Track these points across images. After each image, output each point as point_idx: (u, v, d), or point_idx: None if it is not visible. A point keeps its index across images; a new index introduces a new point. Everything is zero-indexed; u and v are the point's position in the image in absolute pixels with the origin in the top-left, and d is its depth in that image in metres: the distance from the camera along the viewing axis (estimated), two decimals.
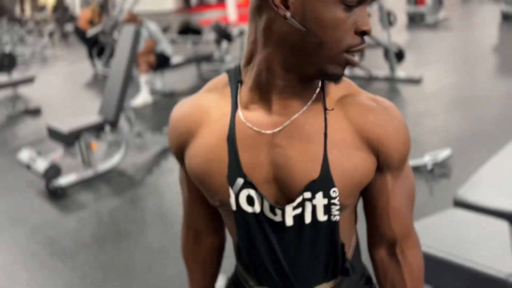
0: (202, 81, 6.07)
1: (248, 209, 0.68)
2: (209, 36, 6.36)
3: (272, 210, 0.68)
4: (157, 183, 3.03)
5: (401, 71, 4.98)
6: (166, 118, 4.21)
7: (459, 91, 4.40)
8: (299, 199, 0.66)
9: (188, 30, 6.59)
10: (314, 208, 0.66)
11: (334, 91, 0.69)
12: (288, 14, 0.59)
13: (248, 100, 0.68)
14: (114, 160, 3.21)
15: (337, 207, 0.66)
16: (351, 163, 0.66)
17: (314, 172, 0.65)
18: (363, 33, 0.61)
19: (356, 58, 0.63)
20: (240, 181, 0.67)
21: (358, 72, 5.17)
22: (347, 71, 5.13)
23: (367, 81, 5.04)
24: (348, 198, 0.68)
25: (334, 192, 0.65)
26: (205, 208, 0.81)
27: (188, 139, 0.72)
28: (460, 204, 1.67)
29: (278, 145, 0.66)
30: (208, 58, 6.11)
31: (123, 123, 3.27)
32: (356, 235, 0.80)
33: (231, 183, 0.67)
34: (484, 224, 1.52)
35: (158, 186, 3.00)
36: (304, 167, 0.65)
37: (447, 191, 2.37)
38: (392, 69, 4.93)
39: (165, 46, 5.00)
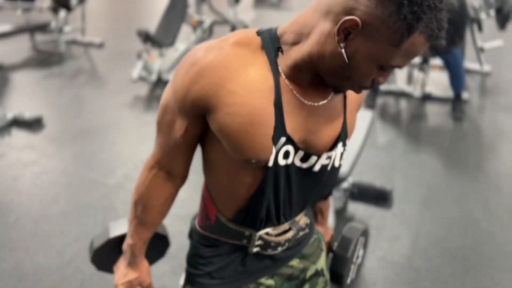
0: (38, 53, 5.44)
1: (282, 162, 0.79)
2: (44, 2, 5.68)
3: (305, 159, 0.81)
4: None
5: None
6: None
7: None
8: (335, 151, 0.83)
9: None
10: (335, 157, 0.84)
11: None
12: (342, 45, 0.69)
13: (289, 71, 0.76)
14: None
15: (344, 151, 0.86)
16: (353, 120, 0.87)
17: (337, 131, 0.83)
18: (377, 83, 0.75)
19: (360, 91, 0.78)
20: (282, 139, 0.77)
21: None
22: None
23: None
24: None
25: (347, 141, 0.85)
26: (189, 155, 0.85)
27: (219, 92, 0.73)
28: None
29: (316, 114, 0.79)
30: (43, 28, 5.46)
31: None
32: None
33: (275, 142, 0.76)
34: None
35: None
36: (331, 129, 0.82)
37: None
38: None
39: None
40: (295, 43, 0.75)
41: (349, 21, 0.66)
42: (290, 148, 0.78)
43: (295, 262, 0.96)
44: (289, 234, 0.89)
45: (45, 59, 5.33)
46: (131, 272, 0.95)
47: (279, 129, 0.76)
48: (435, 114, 3.57)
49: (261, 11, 8.05)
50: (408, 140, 3.13)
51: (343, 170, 1.88)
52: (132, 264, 0.94)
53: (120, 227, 1.01)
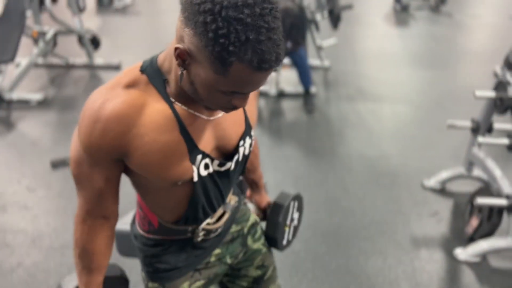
0: None
1: (205, 173, 0.88)
2: None
3: (222, 164, 0.91)
4: None
5: (99, 58, 4.95)
6: None
7: None
8: (240, 144, 0.92)
9: None
10: (244, 149, 0.94)
11: None
12: (181, 69, 0.74)
13: (180, 97, 0.81)
14: None
15: (251, 140, 0.96)
16: (253, 110, 0.96)
17: (242, 128, 0.93)
18: (234, 107, 0.78)
19: (226, 111, 0.82)
20: (199, 157, 0.86)
21: (54, 60, 4.82)
22: (42, 60, 4.71)
23: (65, 69, 4.78)
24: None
25: (252, 132, 0.95)
26: (116, 194, 0.89)
27: (129, 139, 0.78)
28: None
29: (218, 125, 0.88)
30: None
31: None
32: None
33: (193, 161, 0.85)
34: None
35: None
36: (236, 128, 0.91)
37: None
38: (89, 56, 4.83)
39: None
40: (171, 70, 0.80)
41: (178, 48, 0.71)
42: (207, 160, 0.88)
43: (232, 228, 1.11)
44: (225, 217, 1.03)
45: None
46: None
47: (193, 150, 0.84)
48: (290, 109, 3.91)
49: (106, 18, 7.70)
50: (271, 135, 3.39)
51: None
52: None
53: (72, 281, 1.02)
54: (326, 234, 2.29)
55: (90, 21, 7.27)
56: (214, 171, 0.90)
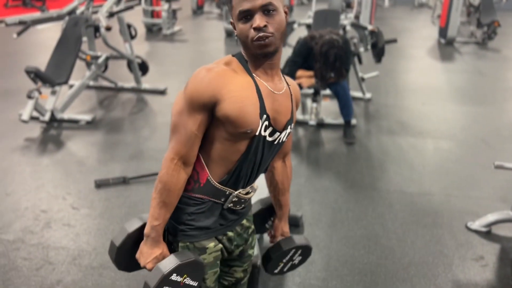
0: None
1: (263, 133, 1.15)
2: None
3: (272, 134, 1.17)
4: None
5: (146, 83, 5.15)
6: None
7: None
8: (285, 130, 1.20)
9: None
10: (286, 133, 1.21)
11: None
12: (235, 32, 1.12)
13: (258, 73, 1.15)
14: None
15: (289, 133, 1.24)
16: (294, 110, 1.24)
17: (288, 116, 1.20)
18: (256, 29, 1.05)
19: (262, 42, 1.06)
20: (264, 116, 1.13)
21: (105, 83, 5.06)
22: (93, 82, 4.95)
23: (114, 92, 4.99)
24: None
25: (292, 125, 1.23)
26: (198, 146, 1.15)
27: (221, 92, 1.07)
28: None
29: (279, 100, 1.17)
30: None
31: None
32: None
33: (261, 117, 1.12)
34: None
35: None
36: (285, 113, 1.19)
37: None
38: (137, 81, 5.03)
39: None
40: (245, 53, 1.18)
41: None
42: (267, 123, 1.14)
43: (245, 221, 1.33)
44: (251, 195, 1.26)
45: None
46: (156, 249, 1.17)
47: (262, 108, 1.12)
48: (330, 140, 3.89)
49: (154, 44, 8.04)
50: (310, 166, 3.37)
51: None
52: (156, 243, 1.17)
53: (134, 223, 1.23)
54: (363, 272, 2.23)
55: (140, 47, 7.61)
56: (266, 138, 1.16)
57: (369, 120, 4.37)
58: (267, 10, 1.05)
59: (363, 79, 4.81)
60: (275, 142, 1.19)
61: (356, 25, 4.41)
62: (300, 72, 3.71)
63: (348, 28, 4.34)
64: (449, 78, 5.93)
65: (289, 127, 1.21)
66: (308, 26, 4.51)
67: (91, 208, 2.74)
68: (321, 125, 4.12)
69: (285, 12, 1.11)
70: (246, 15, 1.05)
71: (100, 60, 4.69)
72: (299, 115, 4.32)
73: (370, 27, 4.22)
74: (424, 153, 3.61)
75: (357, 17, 8.16)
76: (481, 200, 2.89)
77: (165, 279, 1.08)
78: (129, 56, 4.95)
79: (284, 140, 1.22)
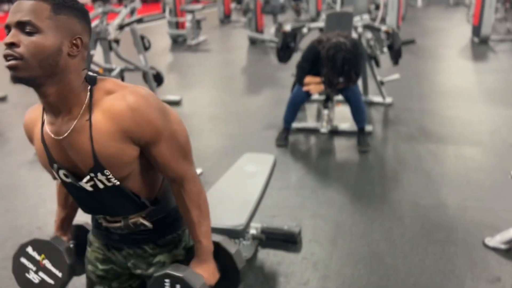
0: None
1: (67, 180, 1.06)
2: None
3: (79, 181, 1.03)
4: None
5: (162, 94, 5.13)
6: None
7: (214, 109, 4.79)
8: (86, 178, 1.02)
9: None
10: (100, 180, 1.01)
11: (101, 96, 0.98)
12: None
13: (47, 116, 1.01)
14: None
15: (114, 178, 1.01)
16: (113, 151, 0.97)
17: (90, 163, 0.99)
18: (7, 45, 0.89)
19: (7, 62, 0.89)
20: (55, 166, 1.04)
21: None
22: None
23: None
24: (121, 171, 1.01)
25: (106, 171, 0.99)
26: None
27: (32, 135, 1.09)
28: None
29: (66, 146, 1.00)
30: None
31: None
32: (162, 183, 1.16)
33: (52, 167, 1.05)
34: None
35: None
36: (83, 160, 0.99)
37: None
38: (152, 91, 5.01)
39: None
40: None
41: None
42: (64, 171, 1.05)
43: (148, 247, 1.18)
44: (118, 225, 1.13)
45: None
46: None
47: (50, 158, 1.04)
48: (342, 148, 3.69)
49: (178, 54, 8.09)
50: (317, 176, 3.19)
51: (239, 221, 1.83)
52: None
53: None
54: None
55: (163, 58, 7.67)
56: (75, 184, 1.05)
57: (387, 126, 4.13)
58: (23, 28, 0.89)
59: (382, 83, 4.57)
60: (89, 189, 1.03)
61: (369, 27, 4.19)
62: (308, 79, 3.55)
63: (360, 30, 4.12)
64: (480, 79, 5.56)
65: (98, 174, 0.99)
66: (321, 30, 4.34)
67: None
68: (334, 132, 3.93)
69: (73, 44, 0.92)
70: (8, 31, 0.91)
71: (114, 73, 4.71)
72: (310, 122, 4.14)
73: (384, 28, 4.00)
74: (444, 161, 3.34)
75: (383, 18, 7.88)
76: (503, 213, 2.61)
77: (22, 249, 1.19)
78: (143, 68, 4.95)
79: (107, 184, 1.01)
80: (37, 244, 1.16)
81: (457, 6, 13.38)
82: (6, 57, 0.88)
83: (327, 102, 3.78)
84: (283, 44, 4.28)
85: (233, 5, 13.17)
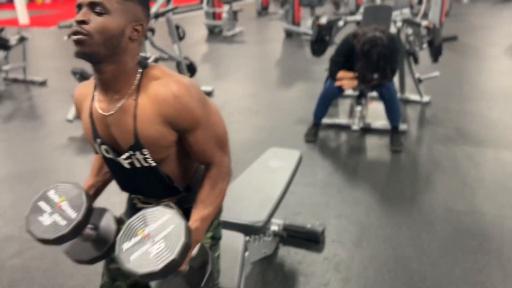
0: None
1: (107, 155, 1.12)
2: None
3: (118, 156, 1.11)
4: None
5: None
6: None
7: (246, 101, 4.75)
8: (125, 155, 1.09)
9: None
10: (138, 159, 1.08)
11: (148, 81, 1.05)
12: None
13: (98, 93, 1.09)
14: None
15: (151, 158, 1.08)
16: (153, 133, 1.04)
17: (130, 141, 1.06)
18: (77, 22, 0.97)
19: (73, 37, 0.96)
20: (98, 140, 1.11)
21: None
22: None
23: None
24: (158, 153, 1.08)
25: (144, 151, 1.07)
26: None
27: (81, 109, 1.16)
28: None
29: (110, 122, 1.08)
30: None
31: None
32: (195, 171, 1.23)
33: (95, 140, 1.12)
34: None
35: None
36: (124, 138, 1.07)
37: None
38: None
39: None
40: None
41: None
42: (106, 147, 1.14)
43: None
44: (150, 206, 1.14)
45: None
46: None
47: (95, 132, 1.13)
48: (374, 146, 3.57)
49: (214, 45, 8.09)
50: (345, 175, 3.09)
51: (259, 218, 1.79)
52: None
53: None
54: None
55: (198, 48, 7.70)
56: (116, 160, 1.12)
57: (423, 126, 3.96)
58: (93, 8, 0.98)
59: (420, 80, 4.39)
60: (126, 167, 1.11)
61: (409, 21, 4.01)
62: (341, 73, 3.44)
63: (399, 24, 3.95)
64: None
65: (137, 152, 1.07)
66: (358, 23, 4.19)
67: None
68: (366, 130, 3.80)
69: (135, 29, 1.02)
70: (78, 9, 1.00)
71: (148, 62, 4.74)
72: (342, 118, 4.03)
73: (424, 23, 3.81)
74: (481, 165, 3.16)
75: (426, 13, 7.57)
76: None
77: (44, 193, 1.15)
78: (177, 58, 4.97)
79: (144, 164, 1.09)
80: (60, 188, 1.15)
81: (507, 2, 12.72)
82: (75, 33, 0.96)
83: (360, 98, 3.66)
84: (318, 37, 4.18)
85: None
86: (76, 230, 1.08)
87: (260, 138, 3.74)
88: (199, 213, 1.10)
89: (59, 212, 1.10)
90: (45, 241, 1.07)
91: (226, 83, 5.53)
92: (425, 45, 4.01)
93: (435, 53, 3.82)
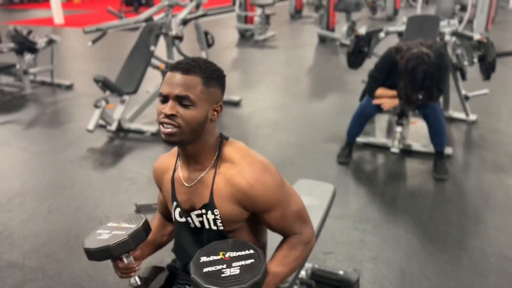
0: (1, 95, 5.16)
1: (179, 219, 1.21)
2: (9, 44, 5.42)
3: (188, 218, 1.19)
4: None
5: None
6: None
7: (274, 113, 4.48)
8: (197, 212, 1.16)
9: None
10: (208, 220, 1.15)
11: (225, 162, 1.13)
12: None
13: (180, 164, 1.20)
14: None
15: (220, 221, 1.13)
16: (227, 210, 1.12)
17: (206, 200, 1.14)
18: (167, 115, 1.05)
19: (164, 129, 1.06)
20: (175, 203, 1.20)
21: None
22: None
23: None
24: (228, 226, 1.14)
25: (216, 211, 1.12)
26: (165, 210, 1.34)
27: (161, 179, 1.26)
28: None
29: (190, 192, 1.17)
30: (7, 69, 5.20)
31: None
32: (263, 242, 1.27)
33: (172, 203, 1.21)
34: None
35: None
36: (199, 201, 1.15)
37: None
38: None
39: None
40: None
41: None
42: (180, 210, 1.22)
43: None
44: None
45: (6, 103, 5.03)
46: None
47: (173, 196, 1.21)
48: (415, 172, 3.22)
49: (244, 50, 7.86)
50: (382, 206, 2.77)
51: None
52: None
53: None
54: None
55: (229, 53, 7.49)
56: (187, 223, 1.19)
57: (470, 149, 3.58)
58: (180, 101, 1.04)
59: (467, 98, 4.00)
60: (197, 226, 1.18)
61: (459, 34, 3.64)
62: (380, 91, 3.12)
63: (448, 38, 3.59)
64: None
65: (209, 211, 1.13)
66: (400, 35, 3.85)
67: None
68: (406, 152, 3.46)
69: (215, 110, 1.09)
70: (164, 99, 1.07)
71: None
72: (379, 137, 3.71)
73: (477, 37, 3.44)
74: None
75: (470, 21, 7.10)
76: None
77: (103, 225, 1.20)
78: None
79: (213, 226, 1.15)
80: (118, 218, 1.21)
81: None
82: (164, 124, 1.05)
83: (401, 118, 3.32)
84: (355, 48, 3.87)
85: (305, 0, 12.73)
86: (135, 237, 1.11)
87: (287, 156, 3.47)
88: (272, 268, 1.13)
89: (118, 230, 1.14)
90: (104, 251, 1.08)
91: (255, 92, 5.28)
92: (475, 60, 3.63)
93: (487, 69, 3.44)
